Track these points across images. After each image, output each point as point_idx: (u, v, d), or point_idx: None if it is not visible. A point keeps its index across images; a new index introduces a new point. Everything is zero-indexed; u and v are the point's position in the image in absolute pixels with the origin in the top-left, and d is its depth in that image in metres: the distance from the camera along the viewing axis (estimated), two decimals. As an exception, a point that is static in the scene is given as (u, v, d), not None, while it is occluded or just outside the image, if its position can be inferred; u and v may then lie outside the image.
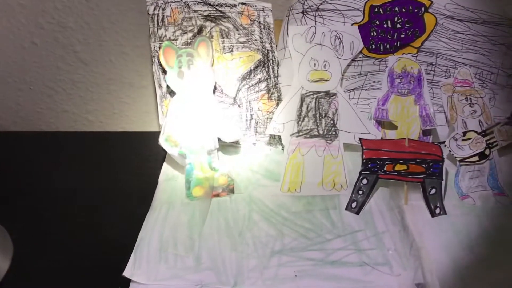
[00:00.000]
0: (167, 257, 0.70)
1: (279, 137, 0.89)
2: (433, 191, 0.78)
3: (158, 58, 0.85)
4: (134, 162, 0.96)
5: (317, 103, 0.86)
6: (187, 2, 0.84)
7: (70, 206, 0.84)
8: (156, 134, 0.83)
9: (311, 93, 0.86)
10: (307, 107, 0.86)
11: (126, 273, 0.67)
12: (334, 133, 0.86)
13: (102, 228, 0.79)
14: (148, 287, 0.66)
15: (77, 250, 0.75)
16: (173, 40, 0.86)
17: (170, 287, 0.66)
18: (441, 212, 0.78)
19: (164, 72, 0.85)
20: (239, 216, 0.77)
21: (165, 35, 0.86)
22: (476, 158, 0.82)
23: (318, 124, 0.86)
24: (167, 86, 0.86)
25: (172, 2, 0.84)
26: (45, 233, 0.79)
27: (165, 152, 0.88)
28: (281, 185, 0.83)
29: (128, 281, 0.67)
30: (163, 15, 0.85)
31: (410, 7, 0.85)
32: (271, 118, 0.89)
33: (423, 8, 0.85)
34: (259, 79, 0.89)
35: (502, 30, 0.85)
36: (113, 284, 0.67)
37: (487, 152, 0.82)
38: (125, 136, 1.08)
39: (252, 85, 0.89)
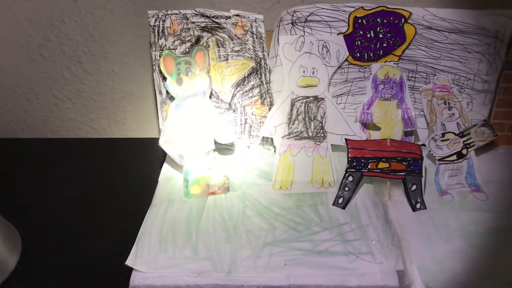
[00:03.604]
0: (167, 248, 0.75)
1: (272, 139, 0.94)
2: (414, 187, 0.83)
3: (159, 66, 0.91)
4: (135, 165, 1.01)
5: (306, 107, 0.92)
6: (185, 14, 0.90)
7: (75, 205, 0.89)
8: (156, 140, 0.88)
9: (301, 98, 0.92)
10: (297, 111, 0.92)
11: (129, 262, 0.72)
12: (322, 135, 0.91)
13: (106, 224, 0.85)
14: (149, 275, 0.71)
15: (82, 243, 0.80)
16: (173, 49, 0.92)
17: (169, 275, 0.71)
18: (422, 207, 0.83)
19: (164, 79, 0.91)
20: (234, 212, 0.83)
21: (165, 45, 0.92)
22: (454, 157, 0.88)
23: (308, 126, 0.92)
24: (167, 92, 0.91)
25: (172, 14, 0.90)
26: (53, 229, 0.84)
27: (165, 155, 0.94)
28: (273, 184, 0.89)
29: (130, 270, 0.71)
30: (163, 26, 0.91)
31: (391, 18, 0.91)
32: (264, 122, 0.94)
33: (403, 19, 0.91)
34: (253, 85, 0.94)
35: (477, 39, 0.91)
36: (116, 273, 0.72)
37: (464, 152, 0.88)
38: (127, 142, 1.14)
39: (246, 91, 0.95)
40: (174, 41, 0.92)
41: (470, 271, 0.71)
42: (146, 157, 1.03)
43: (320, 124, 0.91)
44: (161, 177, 0.91)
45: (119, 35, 1.01)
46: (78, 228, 0.84)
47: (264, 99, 0.95)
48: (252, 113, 0.95)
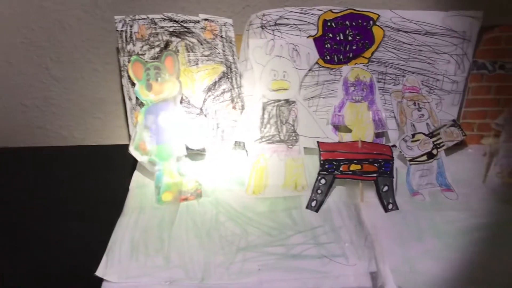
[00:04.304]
0: (138, 257, 0.74)
1: (244, 143, 0.94)
2: (386, 188, 0.84)
3: (127, 72, 0.90)
4: (106, 173, 1.00)
5: (278, 111, 0.92)
6: (153, 19, 0.90)
7: (44, 215, 0.88)
8: (127, 147, 0.87)
9: (272, 101, 0.92)
10: (269, 115, 0.92)
11: (99, 272, 0.71)
12: (294, 138, 0.91)
13: (76, 234, 0.83)
14: (120, 285, 0.69)
15: (51, 254, 0.79)
16: (141, 54, 0.91)
17: (141, 284, 0.70)
18: (394, 208, 0.84)
19: (133, 85, 0.90)
20: (206, 218, 0.82)
21: (133, 50, 0.91)
22: (425, 157, 0.89)
23: (280, 130, 0.92)
24: (137, 98, 0.90)
25: (139, 19, 0.89)
26: (20, 240, 0.82)
27: (136, 162, 0.92)
28: (246, 189, 0.88)
29: (100, 281, 0.70)
30: (131, 31, 0.90)
31: (360, 21, 0.92)
32: (235, 126, 0.94)
33: (371, 22, 0.92)
34: (224, 89, 0.94)
35: (444, 40, 0.93)
36: (87, 284, 0.71)
37: (434, 152, 0.89)
38: (98, 149, 1.12)
39: (217, 96, 0.94)
40: (142, 46, 0.91)
41: (442, 270, 0.72)
42: (117, 165, 1.01)
43: (292, 128, 0.91)
44: (132, 185, 0.90)
45: (86, 41, 0.99)
46: (47, 238, 0.82)
47: (235, 103, 0.95)
48: (223, 117, 0.95)
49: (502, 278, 0.70)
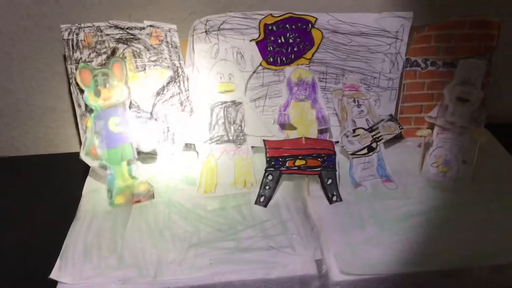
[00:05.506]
0: (92, 259, 0.75)
1: (194, 144, 0.97)
2: (330, 181, 0.88)
3: (75, 79, 0.91)
4: (59, 181, 1.01)
5: (225, 112, 0.95)
6: (99, 26, 0.91)
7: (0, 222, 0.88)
8: (79, 155, 0.88)
9: (220, 103, 0.95)
10: (217, 116, 0.95)
11: (53, 275, 0.72)
12: (242, 137, 0.95)
13: (30, 241, 0.84)
14: (74, 286, 0.71)
15: (7, 259, 0.80)
16: (89, 61, 0.92)
17: (95, 284, 0.71)
18: (338, 199, 0.88)
19: (82, 92, 0.91)
20: (159, 218, 0.84)
21: (81, 58, 0.92)
22: (365, 151, 0.94)
23: (228, 130, 0.95)
24: (86, 105, 0.91)
25: (85, 27, 0.91)
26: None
27: (88, 168, 0.93)
28: (198, 188, 0.91)
29: (55, 284, 0.71)
30: (77, 39, 0.91)
31: (299, 24, 0.96)
32: (185, 128, 0.96)
33: (310, 25, 0.96)
34: (172, 93, 0.96)
35: (378, 40, 0.98)
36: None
37: (374, 145, 0.94)
38: (50, 158, 1.12)
39: (166, 100, 0.96)
40: (89, 54, 0.92)
41: (382, 254, 0.76)
42: (69, 172, 1.02)
43: (239, 128, 0.95)
44: (85, 190, 0.91)
45: (35, 51, 1.00)
46: (1, 244, 0.83)
47: (184, 106, 0.97)
48: (173, 121, 0.97)
49: (437, 258, 0.75)
